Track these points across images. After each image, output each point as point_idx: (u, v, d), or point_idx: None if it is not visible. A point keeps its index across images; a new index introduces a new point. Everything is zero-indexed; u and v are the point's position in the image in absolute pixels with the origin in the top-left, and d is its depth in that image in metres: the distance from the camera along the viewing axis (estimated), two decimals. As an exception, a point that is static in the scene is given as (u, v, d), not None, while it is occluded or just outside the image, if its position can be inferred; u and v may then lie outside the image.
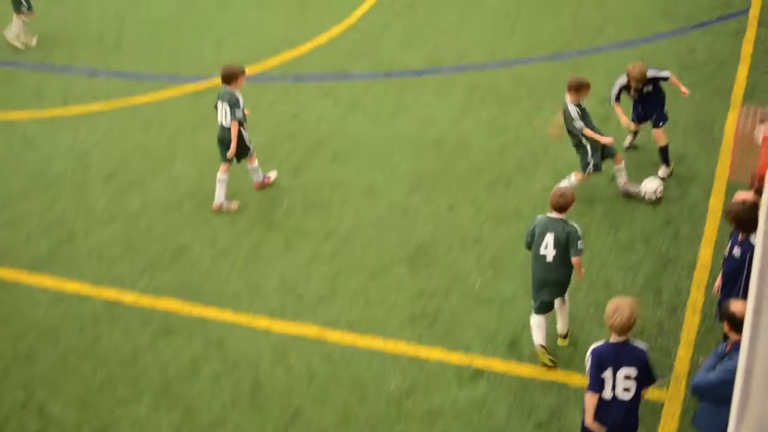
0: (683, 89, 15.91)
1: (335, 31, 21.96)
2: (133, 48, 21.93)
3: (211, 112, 19.03)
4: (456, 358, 12.98)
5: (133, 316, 14.18)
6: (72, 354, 13.60)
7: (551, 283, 12.50)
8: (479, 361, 12.87)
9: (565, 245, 12.23)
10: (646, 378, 10.33)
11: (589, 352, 10.36)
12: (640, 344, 10.40)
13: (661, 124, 16.05)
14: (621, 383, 10.26)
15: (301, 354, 13.26)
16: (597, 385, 10.25)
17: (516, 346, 13.02)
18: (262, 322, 13.84)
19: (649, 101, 15.99)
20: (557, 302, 12.80)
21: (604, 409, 10.33)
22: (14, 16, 22.24)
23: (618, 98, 16.05)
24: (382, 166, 17.04)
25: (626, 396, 10.30)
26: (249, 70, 20.06)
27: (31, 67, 21.39)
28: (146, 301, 14.45)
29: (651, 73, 15.65)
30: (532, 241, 12.47)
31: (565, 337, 13.10)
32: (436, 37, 21.42)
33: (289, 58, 20.84)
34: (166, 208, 16.48)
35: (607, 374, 10.23)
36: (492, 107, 18.56)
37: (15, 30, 22.37)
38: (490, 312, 13.66)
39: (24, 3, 22.14)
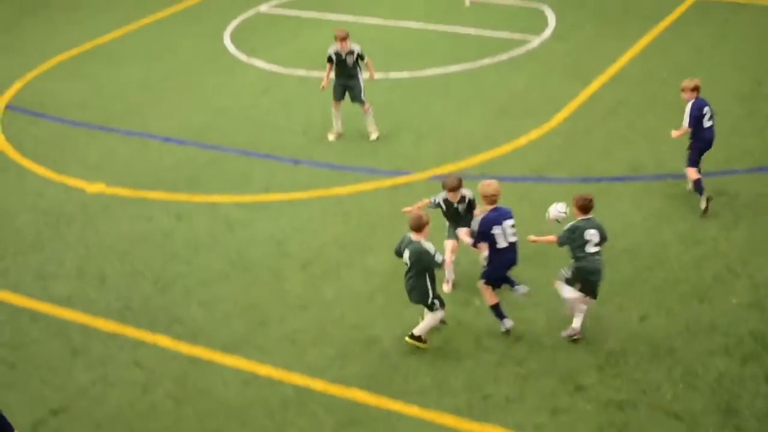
0: None
1: (535, 134, 22.06)
2: (335, 141, 22.40)
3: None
4: (642, 471, 12.77)
5: (320, 404, 14.37)
6: (259, 437, 13.87)
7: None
8: (666, 477, 12.64)
9: None
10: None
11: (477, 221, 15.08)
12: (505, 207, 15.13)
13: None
14: (509, 231, 15.04)
15: (485, 455, 13.24)
16: (486, 238, 15.03)
17: (705, 465, 12.74)
18: (448, 420, 13.84)
19: None
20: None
21: (502, 255, 15.18)
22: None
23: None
24: (576, 271, 16.96)
25: (514, 239, 15.17)
26: (447, 168, 20.36)
27: (237, 153, 22.07)
28: (334, 390, 14.64)
29: None
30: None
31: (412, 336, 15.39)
32: (636, 143, 21.34)
33: (488, 158, 21.02)
34: (358, 299, 16.72)
35: (497, 230, 14.92)
36: (690, 218, 18.33)
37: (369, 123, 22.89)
38: (680, 427, 13.38)
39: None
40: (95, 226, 19.27)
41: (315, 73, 25.85)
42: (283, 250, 18.26)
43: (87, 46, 29.61)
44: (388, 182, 20.34)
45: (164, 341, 15.98)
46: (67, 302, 17.05)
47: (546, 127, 22.35)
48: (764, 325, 15.29)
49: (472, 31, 28.82)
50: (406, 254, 14.91)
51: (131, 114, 24.52)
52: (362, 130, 22.58)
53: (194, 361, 15.53)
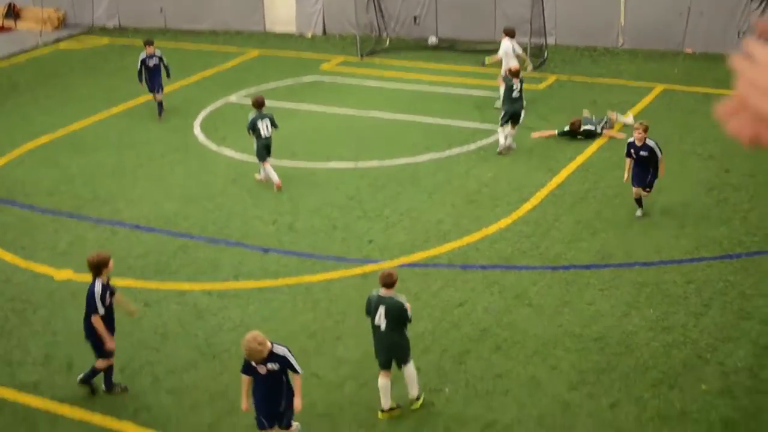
0: None
1: (504, 222, 22.17)
2: (305, 229, 22.41)
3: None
4: None
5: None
6: None
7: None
8: None
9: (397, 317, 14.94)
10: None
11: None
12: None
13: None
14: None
15: None
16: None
17: None
18: None
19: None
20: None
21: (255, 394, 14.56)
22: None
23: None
24: (545, 359, 16.95)
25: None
26: (417, 256, 20.39)
27: (206, 241, 22.04)
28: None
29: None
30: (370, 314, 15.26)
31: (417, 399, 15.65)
32: (605, 231, 21.46)
33: (457, 246, 21.08)
34: (328, 387, 16.62)
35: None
36: (659, 305, 18.40)
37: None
38: None
39: None
40: (63, 312, 19.14)
41: (284, 162, 25.91)
42: (252, 337, 18.15)
43: (57, 134, 29.62)
44: (358, 270, 20.34)
45: (131, 429, 15.83)
46: (33, 389, 16.88)
47: (515, 216, 22.47)
48: (734, 412, 15.31)
49: (440, 120, 29.06)
50: (381, 311, 15.00)
51: (101, 202, 24.49)
52: (331, 221, 22.67)
53: (161, 449, 15.39)
